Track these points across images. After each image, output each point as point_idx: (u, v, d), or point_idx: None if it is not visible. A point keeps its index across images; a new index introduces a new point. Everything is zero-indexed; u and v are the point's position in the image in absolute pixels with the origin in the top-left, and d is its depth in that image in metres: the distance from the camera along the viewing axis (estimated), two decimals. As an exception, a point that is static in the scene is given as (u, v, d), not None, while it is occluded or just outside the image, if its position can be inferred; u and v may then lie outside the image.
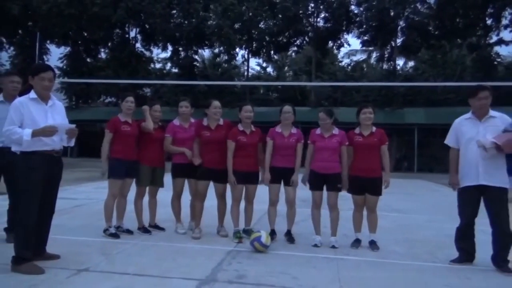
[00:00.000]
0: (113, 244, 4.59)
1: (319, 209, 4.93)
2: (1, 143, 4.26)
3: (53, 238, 4.04)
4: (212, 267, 3.85)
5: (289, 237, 4.99)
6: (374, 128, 4.83)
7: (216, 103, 5.05)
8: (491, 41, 27.54)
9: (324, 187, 4.86)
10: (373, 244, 4.79)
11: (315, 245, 4.76)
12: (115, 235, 4.84)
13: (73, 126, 3.77)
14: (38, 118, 3.62)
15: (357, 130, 4.87)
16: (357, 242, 4.90)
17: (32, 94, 3.69)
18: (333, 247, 4.74)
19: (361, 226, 4.96)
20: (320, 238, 4.86)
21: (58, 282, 3.32)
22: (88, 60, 31.83)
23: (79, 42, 30.66)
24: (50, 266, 3.63)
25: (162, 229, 5.33)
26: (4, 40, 31.69)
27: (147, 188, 5.28)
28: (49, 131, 3.56)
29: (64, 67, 30.19)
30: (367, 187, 4.75)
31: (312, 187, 4.91)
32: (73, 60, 30.01)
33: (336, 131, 4.89)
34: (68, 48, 30.68)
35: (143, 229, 5.16)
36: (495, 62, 27.38)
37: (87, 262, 3.85)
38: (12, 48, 31.52)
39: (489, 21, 26.44)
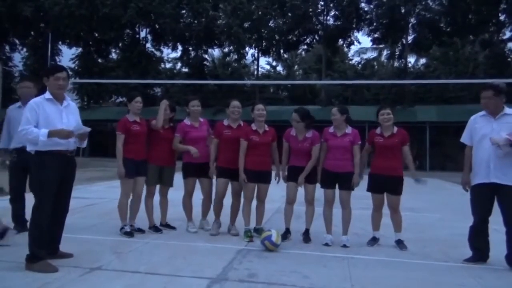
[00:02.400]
0: (125, 242, 4.63)
1: (331, 208, 4.91)
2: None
3: (66, 237, 4.08)
4: (223, 266, 3.86)
5: (306, 236, 4.96)
6: (395, 129, 4.79)
7: (236, 102, 5.11)
8: (505, 37, 27.14)
9: (337, 186, 4.83)
10: (400, 244, 4.75)
11: (326, 244, 4.74)
12: (130, 234, 4.87)
13: (88, 129, 3.80)
14: (53, 119, 3.67)
15: (378, 130, 4.85)
16: (373, 240, 4.87)
17: (48, 95, 3.73)
18: (344, 246, 4.71)
19: (380, 225, 4.92)
20: (331, 237, 4.84)
21: (71, 280, 3.36)
22: (99, 60, 32.16)
23: (90, 42, 30.99)
24: (63, 265, 3.67)
25: (173, 228, 5.35)
26: (17, 41, 32.20)
27: (158, 188, 5.31)
28: (65, 134, 3.61)
29: (76, 67, 30.55)
30: (386, 186, 4.73)
31: (324, 185, 4.89)
32: (85, 61, 30.35)
33: (349, 130, 4.86)
34: (80, 49, 31.03)
35: (154, 228, 5.19)
36: (509, 59, 26.95)
37: (100, 260, 3.89)
38: (24, 49, 32.02)
39: (502, 17, 26.03)
